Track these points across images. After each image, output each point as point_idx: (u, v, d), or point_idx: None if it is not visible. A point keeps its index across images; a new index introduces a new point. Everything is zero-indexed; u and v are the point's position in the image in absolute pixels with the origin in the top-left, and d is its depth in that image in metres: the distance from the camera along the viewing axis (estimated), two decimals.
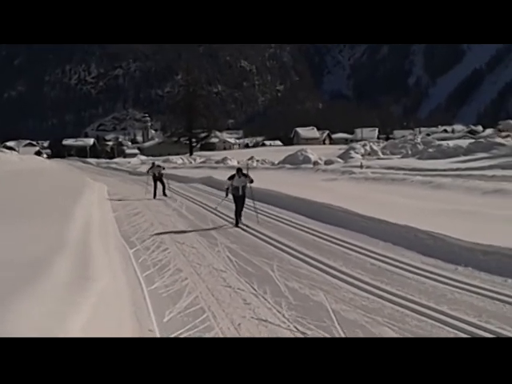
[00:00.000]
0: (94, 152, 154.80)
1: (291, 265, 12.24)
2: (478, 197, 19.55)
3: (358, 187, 26.75)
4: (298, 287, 10.28)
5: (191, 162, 77.87)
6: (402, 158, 52.20)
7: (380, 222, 15.23)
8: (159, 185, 28.66)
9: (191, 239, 15.81)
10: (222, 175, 37.72)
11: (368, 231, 15.25)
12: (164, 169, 30.20)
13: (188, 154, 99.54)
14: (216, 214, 20.93)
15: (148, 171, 29.86)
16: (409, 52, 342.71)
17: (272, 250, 13.97)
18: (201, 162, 74.31)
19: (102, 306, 7.14)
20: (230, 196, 19.17)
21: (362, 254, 13.03)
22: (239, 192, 18.68)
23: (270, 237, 15.83)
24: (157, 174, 28.74)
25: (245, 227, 17.85)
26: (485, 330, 7.72)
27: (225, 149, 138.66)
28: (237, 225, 18.22)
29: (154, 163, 30.86)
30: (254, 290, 10.16)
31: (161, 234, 16.93)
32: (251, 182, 18.89)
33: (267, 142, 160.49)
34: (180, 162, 77.59)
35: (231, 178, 18.75)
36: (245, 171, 19.23)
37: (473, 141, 52.98)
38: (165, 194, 28.47)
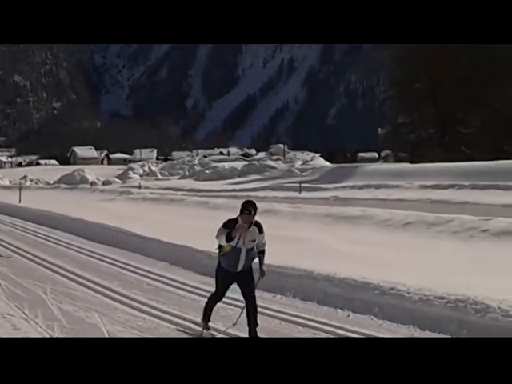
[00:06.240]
0: None
1: (66, 287, 11.86)
2: None
3: (137, 207, 26.79)
4: (73, 310, 9.97)
5: None
6: (180, 179, 53.38)
7: (157, 242, 15.35)
8: None
9: None
10: None
11: (146, 251, 15.29)
12: None
13: None
14: None
15: None
16: (187, 75, 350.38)
17: (45, 273, 13.45)
18: None
19: None
20: None
21: (139, 274, 13.03)
22: (238, 265, 8.07)
23: (43, 259, 15.22)
24: None
25: None
26: None
27: None
28: (206, 327, 8.50)
29: None
30: (25, 314, 9.67)
31: None
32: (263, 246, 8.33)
33: (42, 161, 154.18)
34: None
35: (227, 225, 8.13)
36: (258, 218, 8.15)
37: (247, 163, 55.72)
38: None
